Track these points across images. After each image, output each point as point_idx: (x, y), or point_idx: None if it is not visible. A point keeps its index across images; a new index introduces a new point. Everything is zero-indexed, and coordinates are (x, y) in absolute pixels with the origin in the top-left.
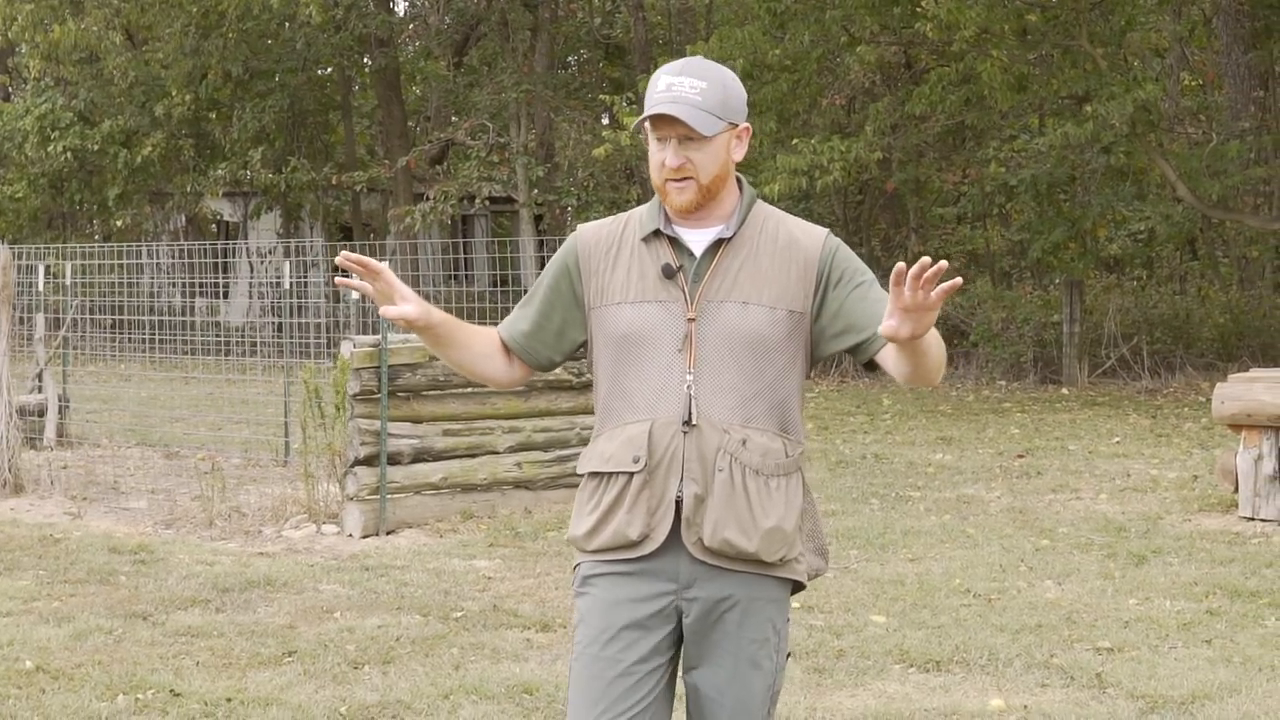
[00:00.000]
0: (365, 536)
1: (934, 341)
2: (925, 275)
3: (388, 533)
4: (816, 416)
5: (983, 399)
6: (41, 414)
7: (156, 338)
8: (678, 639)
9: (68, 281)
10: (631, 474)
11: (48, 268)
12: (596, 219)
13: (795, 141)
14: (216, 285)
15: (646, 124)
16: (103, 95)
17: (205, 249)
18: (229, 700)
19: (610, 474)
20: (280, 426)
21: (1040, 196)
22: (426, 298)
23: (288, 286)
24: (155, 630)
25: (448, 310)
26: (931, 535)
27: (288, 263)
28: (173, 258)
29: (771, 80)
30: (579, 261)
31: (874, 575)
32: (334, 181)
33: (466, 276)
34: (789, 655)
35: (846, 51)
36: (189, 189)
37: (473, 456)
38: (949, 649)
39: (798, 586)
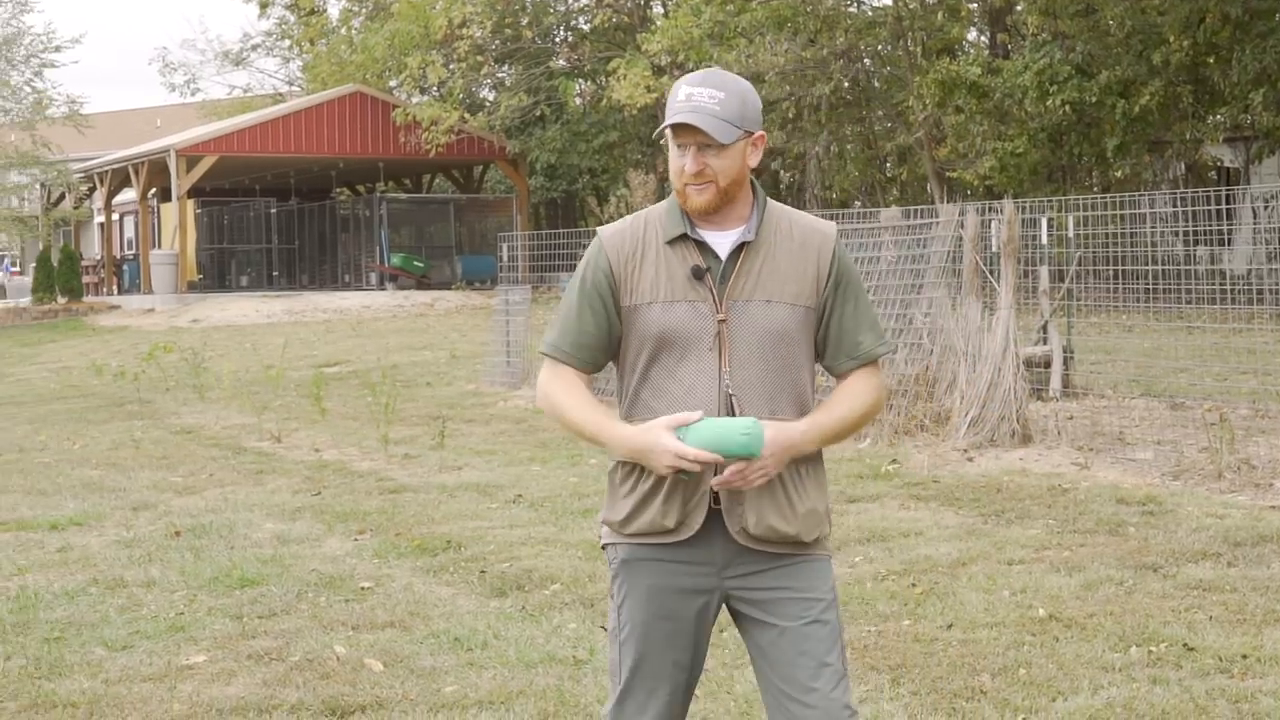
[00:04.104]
0: None
1: (844, 421)
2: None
3: None
4: None
5: None
6: (1047, 365)
7: (1156, 287)
8: (716, 610)
9: (1070, 234)
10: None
11: (1050, 220)
12: None
13: None
14: (1218, 232)
15: (668, 131)
16: (1100, 46)
17: (1205, 196)
18: (1244, 657)
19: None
20: None
21: None
22: None
23: None
24: (1166, 583)
25: None
26: None
27: None
28: (1172, 206)
29: None
30: (610, 265)
31: None
32: None
33: None
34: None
35: None
36: (1188, 136)
37: None
38: None
39: None
